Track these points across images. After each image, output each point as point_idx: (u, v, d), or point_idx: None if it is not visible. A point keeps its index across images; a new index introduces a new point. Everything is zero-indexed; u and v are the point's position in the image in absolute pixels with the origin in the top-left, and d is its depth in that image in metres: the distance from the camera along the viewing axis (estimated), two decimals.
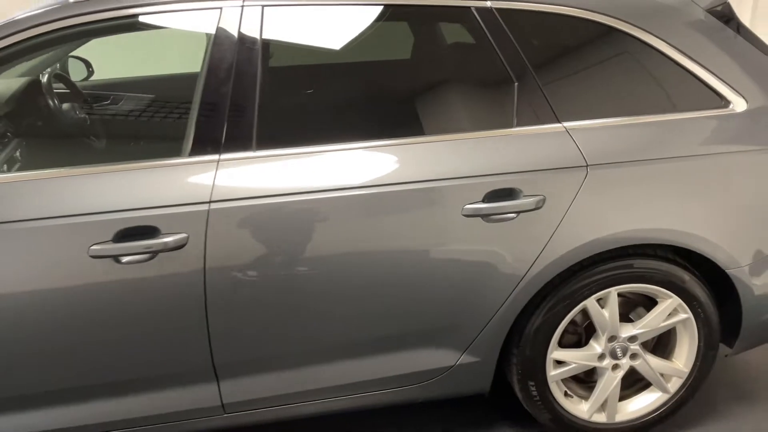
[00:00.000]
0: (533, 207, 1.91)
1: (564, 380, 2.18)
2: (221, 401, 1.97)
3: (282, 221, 1.82)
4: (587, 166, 1.93)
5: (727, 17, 2.18)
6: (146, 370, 1.89)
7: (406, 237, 1.88)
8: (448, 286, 1.94)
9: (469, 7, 1.97)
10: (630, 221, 1.96)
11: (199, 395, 1.95)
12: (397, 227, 1.87)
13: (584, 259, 1.97)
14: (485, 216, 1.89)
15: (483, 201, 1.89)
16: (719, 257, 2.04)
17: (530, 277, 1.95)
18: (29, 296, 1.74)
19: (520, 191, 1.90)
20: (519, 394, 2.17)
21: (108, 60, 2.20)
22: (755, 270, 2.08)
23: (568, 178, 1.92)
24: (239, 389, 1.96)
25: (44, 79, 2.26)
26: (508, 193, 1.90)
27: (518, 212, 1.91)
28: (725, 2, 2.21)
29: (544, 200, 1.91)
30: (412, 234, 1.88)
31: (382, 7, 1.96)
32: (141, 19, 1.86)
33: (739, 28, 2.18)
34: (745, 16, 5.06)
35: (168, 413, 1.96)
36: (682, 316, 2.12)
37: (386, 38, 2.14)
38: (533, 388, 2.12)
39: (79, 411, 1.89)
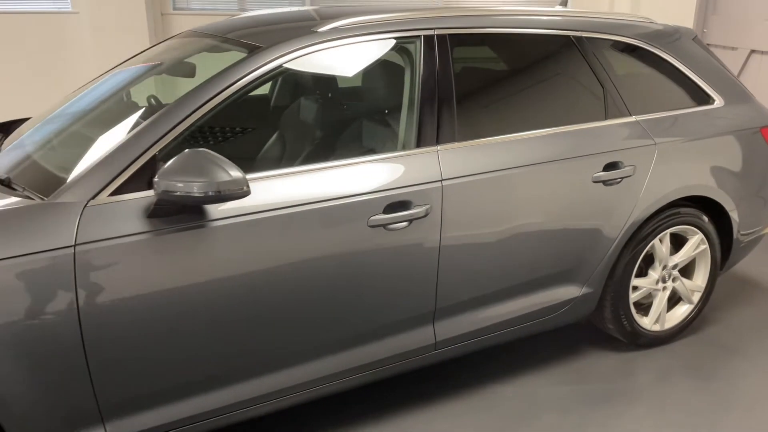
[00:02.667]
0: (630, 174, 2.73)
1: None
2: (435, 339, 2.50)
3: (486, 193, 2.43)
4: (656, 144, 2.80)
5: (701, 44, 3.22)
6: (388, 318, 2.37)
7: (561, 199, 2.59)
8: (582, 235, 2.69)
9: (569, 37, 2.77)
10: (685, 179, 2.87)
11: (418, 337, 2.46)
12: (554, 192, 2.58)
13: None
14: (605, 182, 2.68)
15: (603, 170, 2.67)
16: (726, 204, 3.03)
17: (628, 224, 2.77)
18: (321, 261, 2.16)
19: (622, 163, 2.72)
20: (609, 316, 2.95)
21: None
22: (740, 212, 3.10)
23: (646, 152, 2.78)
24: (449, 328, 2.51)
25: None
26: (615, 165, 2.70)
27: (622, 178, 2.72)
28: (696, 35, 3.25)
29: (635, 168, 2.75)
30: (563, 196, 2.60)
31: (519, 34, 2.68)
32: (359, 46, 2.37)
33: (708, 50, 3.22)
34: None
35: (389, 356, 2.43)
36: (702, 247, 3.07)
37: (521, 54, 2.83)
38: (621, 309, 2.92)
39: (333, 361, 2.31)
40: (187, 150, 1.90)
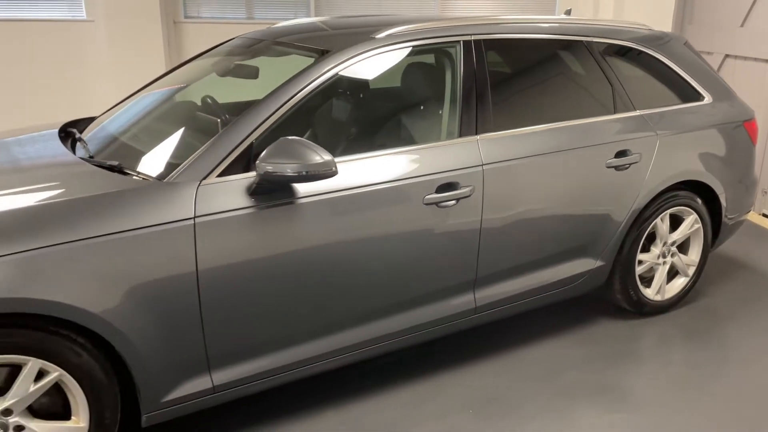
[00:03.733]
0: (637, 161, 3.14)
1: None
2: (475, 305, 2.86)
3: (520, 175, 2.81)
4: (657, 135, 3.22)
5: (691, 47, 3.65)
6: (437, 285, 2.73)
7: (580, 181, 2.98)
8: (598, 214, 3.08)
9: (582, 41, 3.18)
10: (682, 166, 3.29)
11: (461, 302, 2.83)
12: (575, 175, 2.97)
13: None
14: (616, 167, 3.08)
15: (615, 157, 3.07)
16: (716, 188, 3.46)
17: (636, 205, 3.18)
18: (387, 235, 2.51)
19: (630, 151, 3.12)
20: (617, 287, 3.35)
21: None
22: (727, 197, 3.54)
23: (650, 142, 3.19)
24: (487, 294, 2.88)
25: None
26: (625, 153, 3.11)
27: (630, 164, 3.13)
28: (686, 40, 3.69)
29: (641, 156, 3.16)
30: (582, 179, 2.99)
31: (541, 39, 3.08)
32: (409, 50, 2.74)
33: (697, 53, 3.66)
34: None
35: (437, 319, 2.79)
36: (696, 226, 3.50)
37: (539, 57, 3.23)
38: (629, 281, 3.33)
39: (391, 322, 2.65)
40: (282, 138, 2.24)
